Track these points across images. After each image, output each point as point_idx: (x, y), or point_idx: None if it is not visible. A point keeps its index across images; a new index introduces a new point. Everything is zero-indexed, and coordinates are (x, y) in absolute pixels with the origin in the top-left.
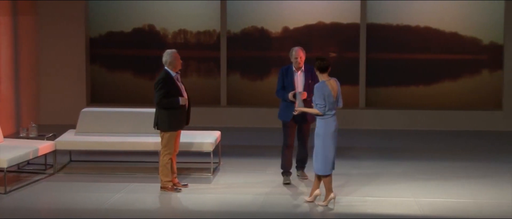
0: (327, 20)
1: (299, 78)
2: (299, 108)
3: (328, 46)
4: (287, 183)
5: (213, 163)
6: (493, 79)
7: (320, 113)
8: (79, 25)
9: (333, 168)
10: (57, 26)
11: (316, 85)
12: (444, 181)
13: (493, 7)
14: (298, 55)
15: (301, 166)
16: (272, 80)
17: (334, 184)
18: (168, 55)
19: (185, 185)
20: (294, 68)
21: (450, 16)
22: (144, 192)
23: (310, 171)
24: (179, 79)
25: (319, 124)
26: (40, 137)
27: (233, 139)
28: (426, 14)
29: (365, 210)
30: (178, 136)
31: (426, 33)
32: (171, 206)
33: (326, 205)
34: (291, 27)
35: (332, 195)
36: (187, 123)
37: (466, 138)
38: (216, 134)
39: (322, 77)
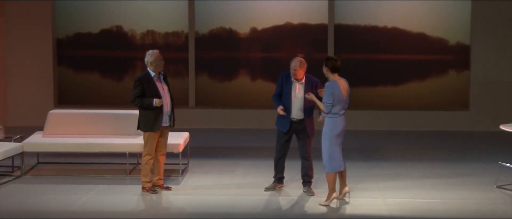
0: (295, 21)
1: (299, 89)
2: (310, 95)
3: (296, 47)
4: (268, 189)
5: (182, 164)
6: (460, 80)
7: (325, 111)
8: (46, 26)
9: (343, 166)
10: (23, 27)
11: (326, 84)
12: (412, 181)
13: (459, 8)
14: (295, 66)
15: (307, 181)
16: (240, 81)
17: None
18: (149, 55)
19: (168, 188)
20: (292, 78)
21: (417, 17)
22: (113, 194)
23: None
24: (162, 79)
25: (327, 122)
26: (7, 138)
27: (201, 140)
28: (393, 14)
29: (333, 210)
30: (164, 136)
31: (393, 33)
32: (140, 208)
33: (328, 204)
34: (259, 28)
35: (334, 194)
36: (172, 124)
37: (433, 138)
38: (185, 135)
39: (333, 77)
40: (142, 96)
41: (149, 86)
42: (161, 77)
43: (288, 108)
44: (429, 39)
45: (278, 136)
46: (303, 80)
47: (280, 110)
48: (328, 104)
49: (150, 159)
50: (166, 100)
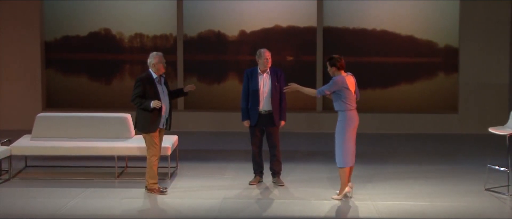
0: (284, 23)
1: (265, 81)
2: (291, 85)
3: (285, 49)
4: (251, 183)
5: (171, 167)
6: (449, 82)
7: (315, 93)
8: (34, 28)
9: (353, 161)
10: (11, 30)
11: (334, 78)
12: (401, 183)
13: (448, 10)
14: (268, 56)
15: (275, 172)
16: (229, 84)
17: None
18: (152, 57)
19: (164, 190)
20: (259, 71)
21: (406, 20)
22: (101, 197)
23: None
24: (162, 82)
25: (341, 117)
26: None
27: (190, 143)
28: (382, 17)
29: (321, 214)
30: (160, 138)
31: (382, 36)
32: (128, 211)
33: (341, 198)
34: (248, 31)
35: (347, 188)
36: (168, 127)
37: (422, 141)
38: (173, 138)
39: (340, 73)
40: (142, 97)
41: (150, 87)
42: (162, 80)
43: (257, 102)
44: (417, 41)
45: (251, 132)
46: (268, 70)
47: (245, 123)
48: (322, 90)
49: (157, 159)
50: (165, 103)
